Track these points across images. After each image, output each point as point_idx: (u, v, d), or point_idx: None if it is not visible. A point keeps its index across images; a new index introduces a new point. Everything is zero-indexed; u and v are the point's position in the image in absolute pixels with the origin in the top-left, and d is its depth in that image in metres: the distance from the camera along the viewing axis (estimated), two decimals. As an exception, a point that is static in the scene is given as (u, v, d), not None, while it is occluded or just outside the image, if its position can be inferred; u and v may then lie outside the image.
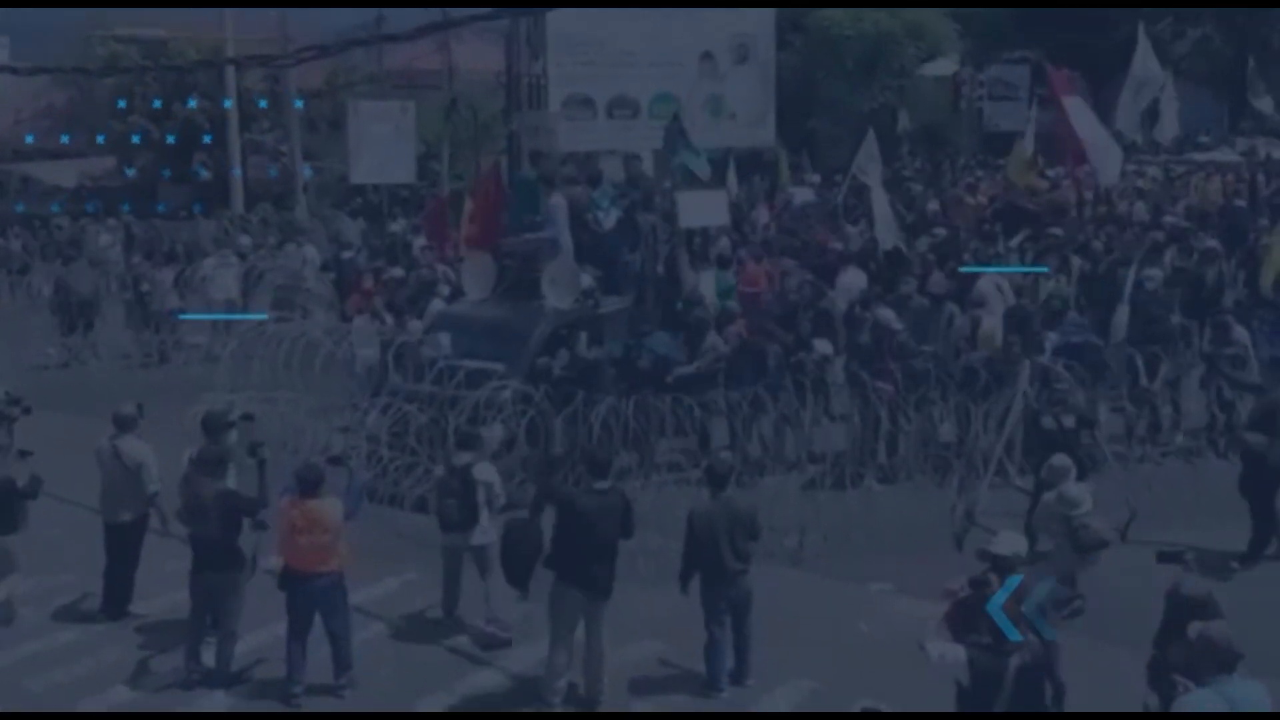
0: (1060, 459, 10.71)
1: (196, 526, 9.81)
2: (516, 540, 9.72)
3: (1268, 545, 11.70)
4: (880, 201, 18.69)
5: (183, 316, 20.31)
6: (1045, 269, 16.73)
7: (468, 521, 10.38)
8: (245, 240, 25.06)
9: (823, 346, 14.48)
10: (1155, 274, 15.80)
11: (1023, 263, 17.76)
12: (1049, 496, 10.31)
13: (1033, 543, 12.02)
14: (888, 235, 18.34)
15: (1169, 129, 28.00)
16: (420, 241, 21.80)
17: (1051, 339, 14.27)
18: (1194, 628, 6.57)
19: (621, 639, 10.06)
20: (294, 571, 9.49)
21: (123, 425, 10.89)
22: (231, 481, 10.01)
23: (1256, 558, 11.63)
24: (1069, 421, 11.90)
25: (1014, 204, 22.42)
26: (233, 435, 10.60)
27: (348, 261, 21.54)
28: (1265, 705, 6.43)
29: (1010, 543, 7.92)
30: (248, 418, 11.10)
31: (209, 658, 9.94)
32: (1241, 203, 22.79)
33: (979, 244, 19.32)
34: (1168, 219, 21.23)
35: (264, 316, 15.23)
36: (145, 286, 20.98)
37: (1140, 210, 22.91)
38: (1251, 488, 11.74)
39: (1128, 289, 14.79)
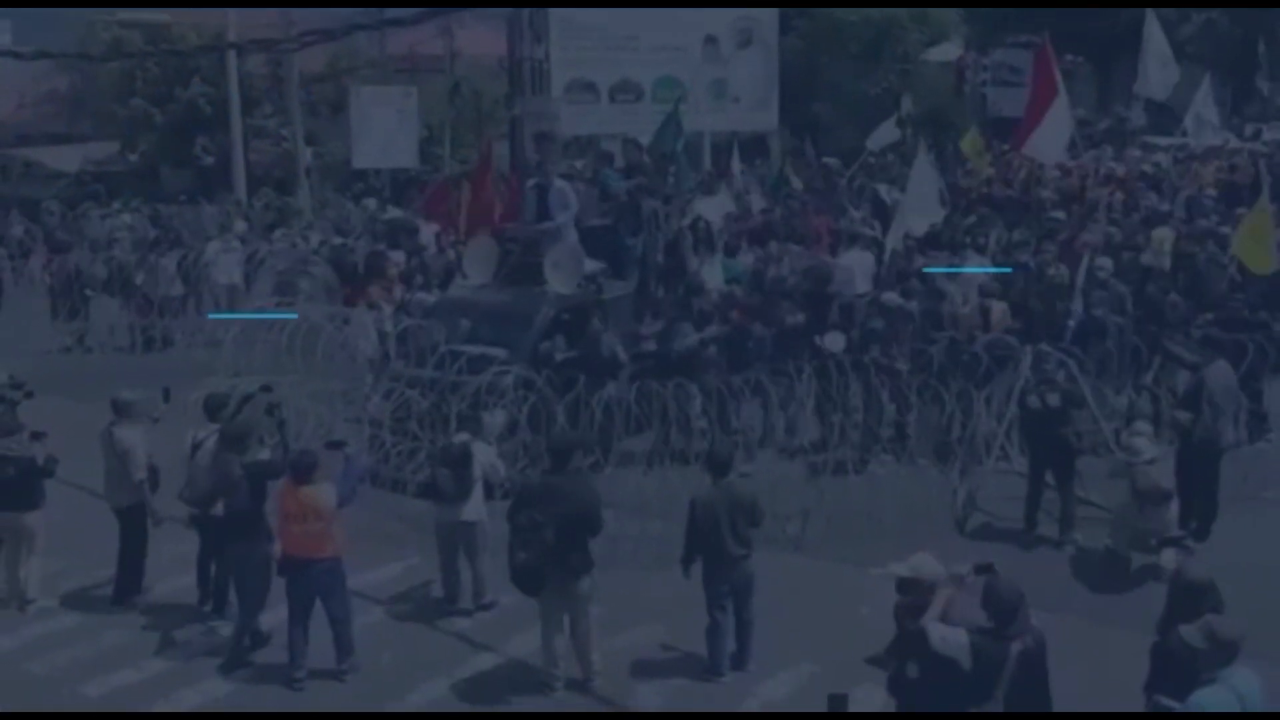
0: (1142, 424, 11.35)
1: (227, 502, 9.95)
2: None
3: (1214, 518, 11.90)
4: (928, 182, 18.56)
5: (212, 316, 20.30)
6: (1010, 269, 16.57)
7: (461, 494, 10.43)
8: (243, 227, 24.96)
9: (834, 341, 14.21)
10: (1106, 263, 15.79)
11: (1026, 250, 17.67)
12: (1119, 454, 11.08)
13: (1031, 527, 12.16)
14: (926, 215, 18.21)
15: (1199, 129, 27.88)
16: (436, 226, 21.79)
17: (1077, 313, 14.37)
18: (1190, 633, 6.51)
19: (623, 623, 10.11)
20: (292, 558, 9.52)
21: (119, 411, 10.93)
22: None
23: (1206, 532, 11.84)
24: (1054, 400, 11.95)
25: (988, 194, 22.36)
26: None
27: (340, 247, 21.53)
28: (1258, 690, 6.45)
29: (913, 564, 7.52)
30: (267, 389, 11.15)
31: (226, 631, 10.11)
32: (1211, 193, 22.70)
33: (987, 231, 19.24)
34: (1144, 203, 21.20)
35: (294, 316, 15.17)
36: (140, 279, 20.95)
37: (1118, 199, 22.73)
38: (1187, 466, 11.81)
39: (1080, 277, 14.81)
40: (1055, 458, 12.09)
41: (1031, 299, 15.49)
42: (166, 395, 11.20)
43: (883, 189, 24.17)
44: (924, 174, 18.52)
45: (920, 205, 18.16)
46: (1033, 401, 12.09)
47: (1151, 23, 25.13)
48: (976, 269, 16.12)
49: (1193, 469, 11.84)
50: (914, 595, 7.35)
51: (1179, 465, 11.86)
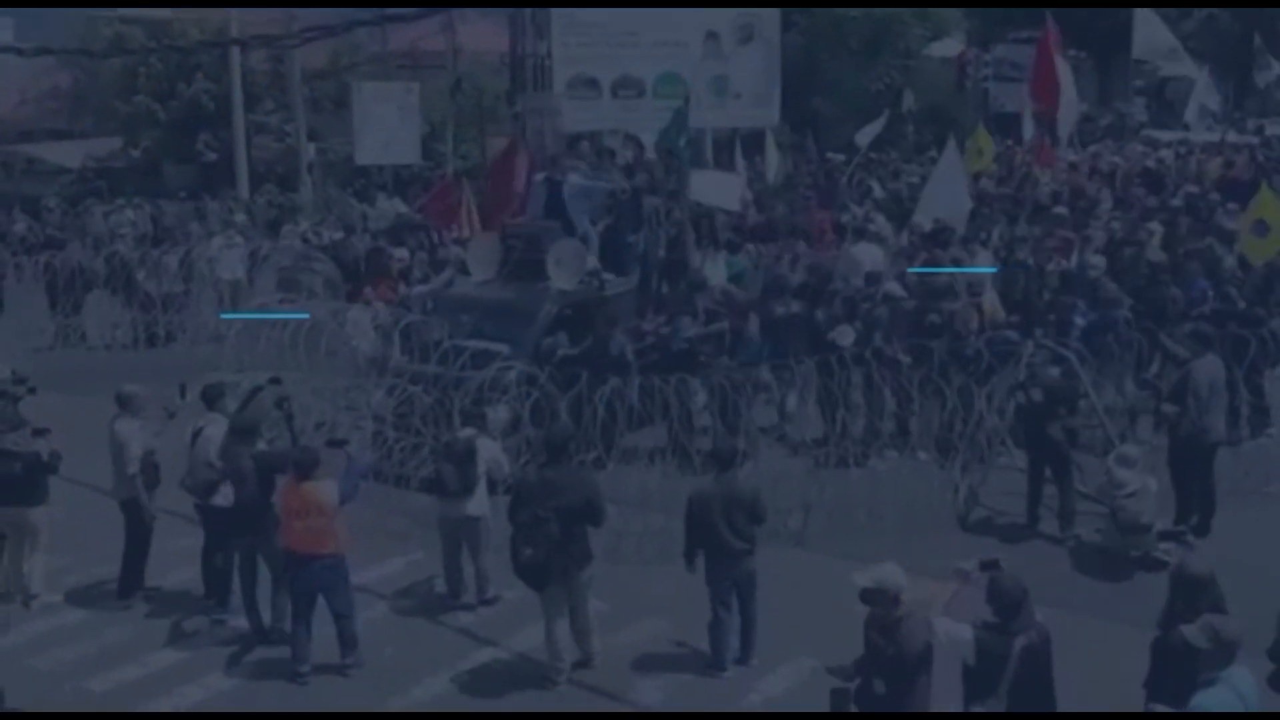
0: (1129, 447, 11.47)
1: (235, 494, 10.05)
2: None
3: (1212, 513, 11.87)
4: (955, 177, 18.50)
5: (224, 316, 20.30)
6: (1014, 265, 16.56)
7: (465, 489, 10.46)
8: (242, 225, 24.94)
9: (844, 335, 14.01)
10: (1098, 260, 15.78)
11: (1027, 247, 17.67)
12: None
13: (1033, 523, 12.18)
14: (953, 209, 18.18)
15: (1201, 121, 27.96)
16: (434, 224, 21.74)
17: (1083, 313, 14.38)
18: (1193, 634, 6.53)
19: (627, 617, 10.13)
20: (294, 554, 9.56)
21: (122, 404, 10.96)
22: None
23: (1206, 527, 11.82)
24: (1037, 396, 11.94)
25: (983, 191, 22.35)
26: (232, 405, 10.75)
27: (340, 243, 21.52)
28: (1254, 688, 6.51)
29: (877, 575, 7.33)
30: (275, 381, 11.19)
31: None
32: (1194, 188, 22.70)
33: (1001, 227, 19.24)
34: (1135, 199, 21.25)
35: (305, 315, 15.15)
36: (142, 275, 20.96)
37: (1105, 194, 22.73)
38: (1177, 461, 11.84)
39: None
40: (1048, 454, 12.09)
41: (1033, 295, 15.50)
42: (183, 391, 11.22)
43: (875, 185, 24.22)
44: (950, 169, 18.47)
45: (944, 200, 18.11)
46: (1019, 398, 12.13)
47: (1146, 24, 25.13)
48: (984, 268, 16.12)
49: (1183, 463, 11.85)
50: (879, 605, 7.30)
51: (1170, 460, 11.89)
